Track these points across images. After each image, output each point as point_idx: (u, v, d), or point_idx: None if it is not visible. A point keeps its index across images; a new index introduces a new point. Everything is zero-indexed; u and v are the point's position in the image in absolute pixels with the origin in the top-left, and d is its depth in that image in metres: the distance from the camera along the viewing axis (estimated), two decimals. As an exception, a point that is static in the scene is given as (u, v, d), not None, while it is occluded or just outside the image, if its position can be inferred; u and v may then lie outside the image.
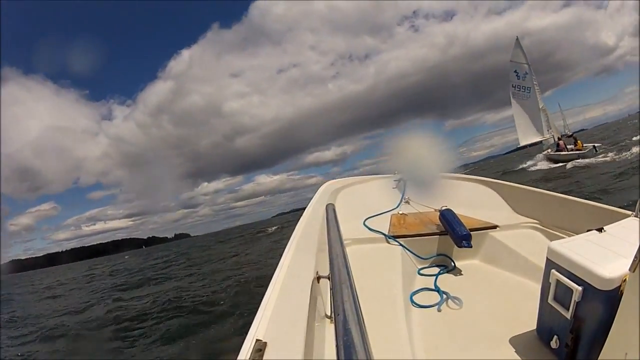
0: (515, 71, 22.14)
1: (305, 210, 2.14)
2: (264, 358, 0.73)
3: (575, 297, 1.01)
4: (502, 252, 2.01)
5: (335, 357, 0.54)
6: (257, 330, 0.82)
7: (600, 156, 17.24)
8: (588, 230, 1.21)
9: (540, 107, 21.72)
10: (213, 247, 24.19)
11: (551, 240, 1.19)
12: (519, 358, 1.16)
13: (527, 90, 21.93)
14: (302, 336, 0.84)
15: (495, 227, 2.21)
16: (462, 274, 1.92)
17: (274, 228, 31.17)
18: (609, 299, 0.94)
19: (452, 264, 2.01)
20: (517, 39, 22.91)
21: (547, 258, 1.14)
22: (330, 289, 0.90)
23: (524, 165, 20.60)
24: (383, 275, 1.71)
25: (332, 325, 0.66)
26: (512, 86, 22.01)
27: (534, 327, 1.23)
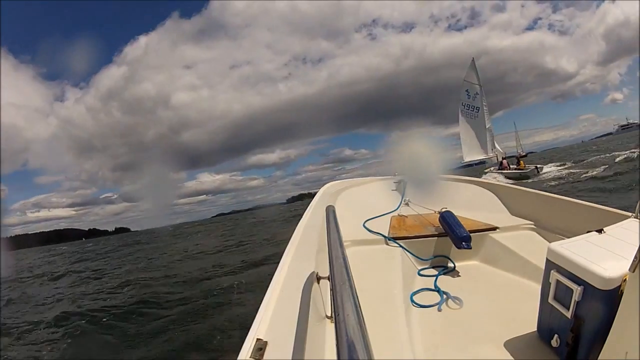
0: (467, 90, 22.85)
1: (306, 212, 2.15)
2: (264, 357, 0.73)
3: (576, 297, 1.01)
4: (502, 253, 2.02)
5: (335, 357, 0.54)
6: (258, 329, 0.82)
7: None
8: (588, 232, 1.21)
9: (487, 127, 22.44)
10: (142, 245, 22.61)
11: (550, 242, 1.19)
12: (520, 357, 1.16)
13: (476, 110, 22.56)
14: (303, 336, 0.85)
15: (494, 228, 2.21)
16: (462, 275, 1.92)
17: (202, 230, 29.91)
18: (609, 299, 0.94)
19: (452, 265, 2.01)
20: (473, 60, 23.64)
21: (547, 259, 1.14)
22: (331, 290, 0.90)
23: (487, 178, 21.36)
24: (383, 276, 1.71)
25: (333, 325, 0.66)
26: (462, 104, 22.67)
27: (534, 327, 1.23)
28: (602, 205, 2.02)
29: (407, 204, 3.00)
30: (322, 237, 1.53)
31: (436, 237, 2.14)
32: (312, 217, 1.97)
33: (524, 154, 24.12)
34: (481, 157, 22.61)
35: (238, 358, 0.73)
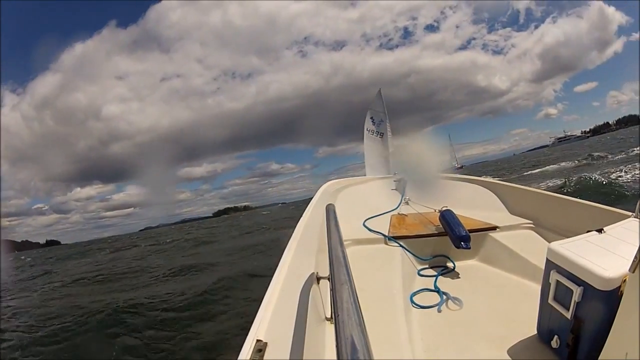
0: (372, 118, 23.25)
1: (305, 211, 2.14)
2: (264, 358, 0.73)
3: (576, 298, 1.01)
4: (502, 253, 2.01)
5: (335, 358, 0.54)
6: (258, 330, 0.82)
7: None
8: (588, 231, 1.21)
9: (390, 151, 23.08)
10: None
11: (550, 241, 1.19)
12: (520, 358, 1.16)
13: (380, 135, 23.09)
14: (303, 337, 0.84)
15: (494, 228, 2.21)
16: (462, 275, 1.91)
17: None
18: (609, 299, 0.94)
19: (452, 264, 2.01)
20: (380, 90, 23.94)
21: (547, 259, 1.14)
22: (330, 290, 0.90)
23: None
24: (383, 276, 1.71)
25: (332, 326, 0.66)
26: (367, 130, 23.12)
27: (534, 327, 1.23)
28: (602, 204, 2.02)
29: (407, 203, 3.00)
30: (322, 237, 1.52)
31: (436, 237, 2.14)
32: (312, 216, 1.97)
33: (459, 166, 24.87)
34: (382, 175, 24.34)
35: (238, 359, 0.73)
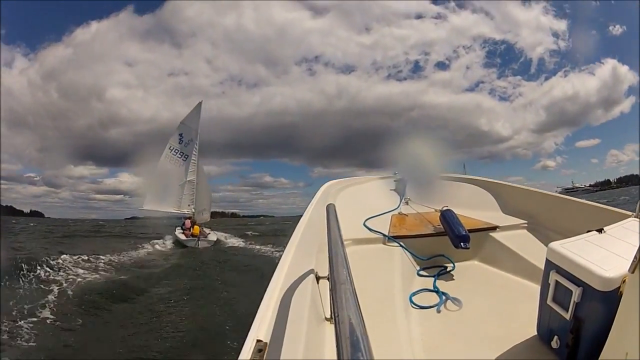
0: (181, 135, 20.05)
1: (306, 211, 2.14)
2: (264, 358, 0.73)
3: (575, 298, 1.01)
4: (502, 253, 2.02)
5: (335, 358, 0.54)
6: (258, 330, 0.82)
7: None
8: (588, 231, 1.21)
9: (189, 179, 19.48)
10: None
11: (550, 241, 1.19)
12: (520, 358, 1.17)
13: (184, 158, 19.78)
14: (303, 337, 0.84)
15: (494, 227, 2.21)
16: (461, 275, 1.92)
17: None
18: (608, 300, 0.94)
19: (452, 264, 2.01)
20: (200, 103, 20.77)
21: (546, 259, 1.14)
22: (330, 290, 0.90)
23: (148, 249, 14.38)
24: (383, 276, 1.71)
25: (332, 326, 0.66)
26: (169, 148, 19.56)
27: (534, 327, 1.23)
28: (602, 204, 2.02)
29: (407, 203, 3.00)
30: (322, 236, 1.52)
31: (436, 236, 2.14)
32: (312, 216, 1.97)
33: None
34: (168, 209, 18.88)
35: (238, 359, 0.73)
